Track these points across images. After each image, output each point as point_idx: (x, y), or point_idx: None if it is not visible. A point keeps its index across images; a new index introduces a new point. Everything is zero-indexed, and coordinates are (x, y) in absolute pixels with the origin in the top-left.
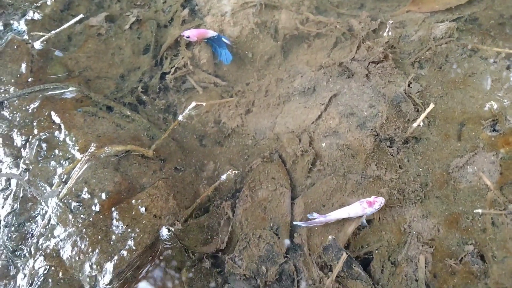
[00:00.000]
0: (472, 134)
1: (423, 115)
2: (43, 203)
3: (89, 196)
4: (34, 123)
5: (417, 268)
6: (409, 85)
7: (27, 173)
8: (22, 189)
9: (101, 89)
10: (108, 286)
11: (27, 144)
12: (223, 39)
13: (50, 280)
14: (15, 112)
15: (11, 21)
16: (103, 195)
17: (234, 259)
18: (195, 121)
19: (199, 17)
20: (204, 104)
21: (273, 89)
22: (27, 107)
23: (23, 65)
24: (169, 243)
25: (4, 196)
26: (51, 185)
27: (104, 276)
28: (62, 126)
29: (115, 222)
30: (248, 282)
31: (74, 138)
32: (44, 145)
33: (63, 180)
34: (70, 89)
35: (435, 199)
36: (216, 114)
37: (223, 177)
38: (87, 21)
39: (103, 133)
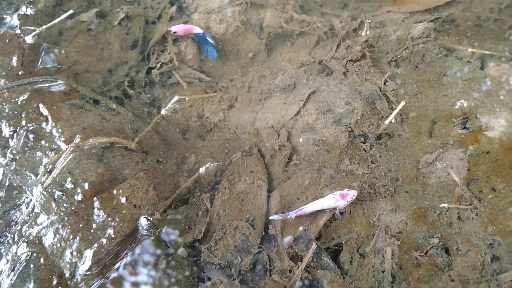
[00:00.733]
0: (443, 131)
1: (394, 112)
2: (27, 192)
3: (73, 186)
4: (23, 115)
5: (384, 259)
6: (384, 83)
7: (14, 162)
8: (8, 178)
9: (89, 83)
10: (87, 272)
11: (15, 135)
12: (207, 37)
13: (31, 265)
14: (4, 104)
15: (5, 16)
16: (86, 185)
17: (210, 248)
18: (179, 115)
19: (187, 14)
20: (187, 98)
21: (255, 86)
22: (16, 99)
23: (14, 59)
24: (148, 232)
25: None
26: (36, 175)
27: (83, 263)
28: (49, 118)
29: (96, 211)
30: (223, 271)
31: (60, 130)
32: (31, 136)
33: (48, 170)
34: (59, 82)
35: (405, 194)
36: (200, 109)
37: (202, 169)
38: (78, 17)
39: (89, 125)
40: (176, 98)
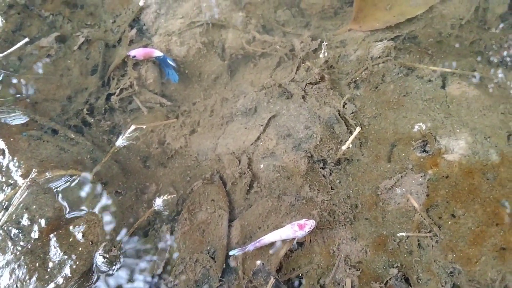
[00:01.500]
0: (402, 155)
1: (350, 139)
2: None
3: (29, 223)
4: None
5: None
6: (343, 106)
7: None
8: None
9: (48, 112)
10: None
11: None
12: (168, 60)
13: None
14: None
15: None
16: (43, 222)
17: (170, 284)
18: (140, 141)
19: (147, 36)
20: (144, 126)
21: (218, 109)
22: None
23: None
24: (105, 269)
25: None
26: None
27: None
28: (6, 151)
29: (52, 249)
30: None
31: (17, 164)
32: None
33: (4, 206)
34: (17, 113)
35: (364, 221)
36: (162, 134)
37: (159, 201)
38: (38, 42)
39: (46, 157)
40: (132, 127)
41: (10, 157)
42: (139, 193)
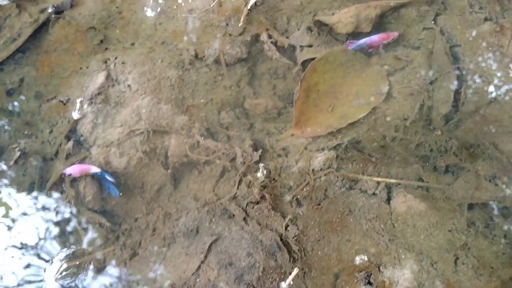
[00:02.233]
0: None
1: (289, 279)
2: None
3: None
4: None
5: None
6: (286, 229)
7: None
8: None
9: None
10: None
11: None
12: (107, 176)
13: None
14: None
15: None
16: None
17: None
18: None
19: (86, 147)
20: (78, 263)
21: (160, 227)
22: None
23: None
24: None
25: None
26: None
27: None
28: None
29: None
30: None
31: None
32: None
33: None
34: None
35: None
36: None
37: None
38: None
39: None
40: (64, 265)
41: None
42: None
